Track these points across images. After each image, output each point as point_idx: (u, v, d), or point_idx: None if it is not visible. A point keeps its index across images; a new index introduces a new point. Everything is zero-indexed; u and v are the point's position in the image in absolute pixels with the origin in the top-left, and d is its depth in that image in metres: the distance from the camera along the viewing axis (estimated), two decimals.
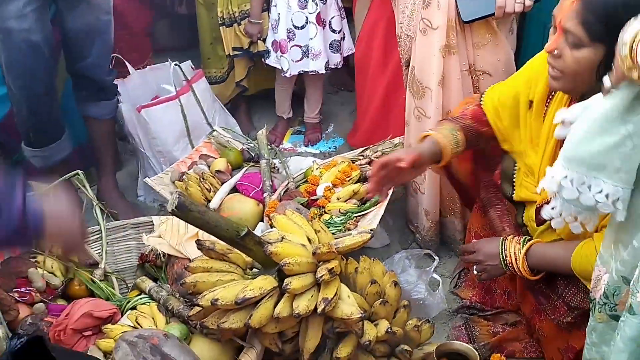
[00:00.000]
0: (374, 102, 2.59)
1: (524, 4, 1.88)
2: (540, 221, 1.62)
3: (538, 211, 1.61)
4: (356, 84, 2.72)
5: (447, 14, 1.95)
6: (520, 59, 2.28)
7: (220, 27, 2.78)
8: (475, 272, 1.75)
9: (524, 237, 1.67)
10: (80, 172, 2.09)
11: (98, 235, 2.04)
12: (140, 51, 2.96)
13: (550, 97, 1.58)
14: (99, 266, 1.92)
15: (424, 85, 2.07)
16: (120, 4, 2.60)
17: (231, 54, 2.83)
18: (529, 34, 2.36)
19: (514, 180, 1.73)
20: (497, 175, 1.78)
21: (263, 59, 2.83)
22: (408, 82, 2.16)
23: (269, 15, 2.77)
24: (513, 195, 1.72)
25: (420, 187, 2.22)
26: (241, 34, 2.77)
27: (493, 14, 1.91)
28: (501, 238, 1.70)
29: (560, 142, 1.54)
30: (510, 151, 1.73)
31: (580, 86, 1.40)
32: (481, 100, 1.77)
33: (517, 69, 2.09)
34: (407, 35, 2.12)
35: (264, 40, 2.80)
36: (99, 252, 1.98)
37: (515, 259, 1.64)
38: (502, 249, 1.68)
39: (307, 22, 2.70)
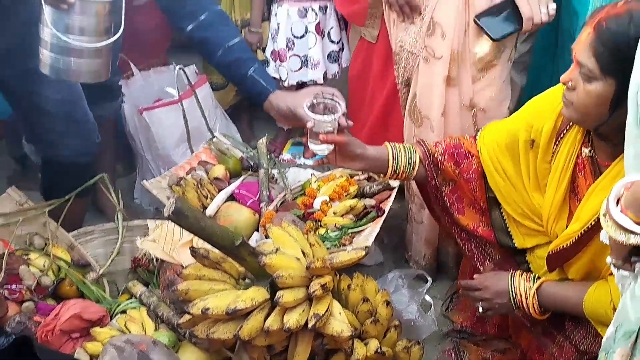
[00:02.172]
0: (371, 117, 2.59)
1: (548, 13, 1.86)
2: (552, 268, 1.59)
3: (550, 258, 1.57)
4: (350, 100, 2.71)
5: (451, 44, 1.93)
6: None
7: None
8: (480, 309, 1.69)
9: (533, 275, 1.63)
10: (105, 175, 2.08)
11: (98, 236, 2.04)
12: (150, 50, 2.96)
13: (561, 136, 1.55)
14: (97, 270, 1.91)
15: (424, 115, 2.05)
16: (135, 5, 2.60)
17: None
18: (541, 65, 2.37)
19: (509, 230, 1.70)
20: (485, 232, 1.75)
21: None
22: (408, 108, 2.13)
23: (268, 25, 2.78)
24: (515, 244, 1.69)
25: (416, 216, 2.21)
26: None
27: (520, 29, 1.88)
28: (509, 274, 1.64)
29: (571, 185, 1.53)
30: (498, 193, 1.68)
31: (592, 119, 1.38)
32: (476, 135, 1.74)
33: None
34: (410, 53, 2.06)
35: (264, 50, 2.81)
36: (95, 255, 1.97)
37: (526, 298, 1.59)
38: (511, 287, 1.62)
39: (306, 32, 2.71)
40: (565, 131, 1.53)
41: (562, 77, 1.40)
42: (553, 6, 1.86)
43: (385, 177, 1.73)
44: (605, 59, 1.28)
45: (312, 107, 1.65)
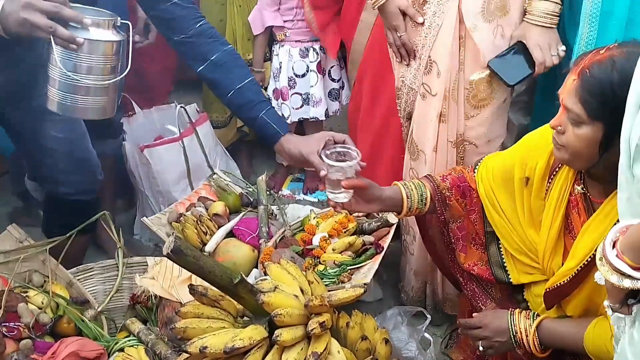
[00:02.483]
0: (363, 151, 2.61)
1: (558, 55, 1.89)
2: (550, 305, 1.59)
3: (547, 295, 1.57)
4: (350, 136, 2.74)
5: (445, 82, 1.98)
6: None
7: None
8: (481, 347, 1.67)
9: (532, 312, 1.62)
10: (106, 212, 2.10)
11: (97, 273, 2.04)
12: (157, 89, 3.01)
13: (554, 173, 1.56)
14: (95, 308, 1.90)
15: (419, 149, 2.09)
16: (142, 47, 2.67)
17: None
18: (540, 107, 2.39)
19: (505, 265, 1.71)
20: (483, 270, 1.75)
21: None
22: (407, 140, 2.17)
23: (270, 65, 2.84)
24: (510, 280, 1.70)
25: (410, 247, 2.22)
26: None
27: (533, 72, 1.91)
28: (508, 312, 1.63)
29: (565, 222, 1.55)
30: (495, 227, 1.70)
31: (583, 161, 1.41)
32: (475, 169, 1.77)
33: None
34: (410, 88, 2.11)
35: (266, 89, 2.86)
36: (94, 292, 1.97)
37: (526, 335, 1.58)
38: (511, 325, 1.60)
39: (308, 71, 2.78)
40: (557, 168, 1.55)
41: (552, 122, 1.42)
42: (563, 47, 1.89)
43: (400, 215, 1.74)
44: (591, 105, 1.31)
45: (326, 156, 1.66)
